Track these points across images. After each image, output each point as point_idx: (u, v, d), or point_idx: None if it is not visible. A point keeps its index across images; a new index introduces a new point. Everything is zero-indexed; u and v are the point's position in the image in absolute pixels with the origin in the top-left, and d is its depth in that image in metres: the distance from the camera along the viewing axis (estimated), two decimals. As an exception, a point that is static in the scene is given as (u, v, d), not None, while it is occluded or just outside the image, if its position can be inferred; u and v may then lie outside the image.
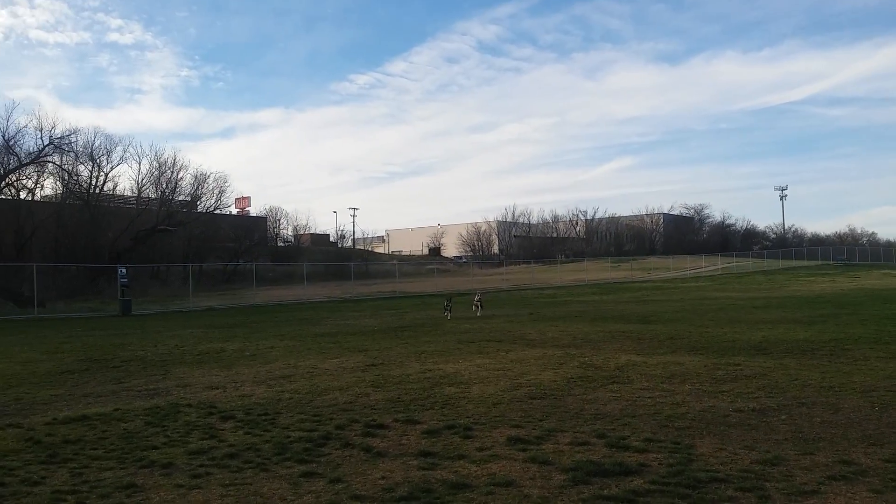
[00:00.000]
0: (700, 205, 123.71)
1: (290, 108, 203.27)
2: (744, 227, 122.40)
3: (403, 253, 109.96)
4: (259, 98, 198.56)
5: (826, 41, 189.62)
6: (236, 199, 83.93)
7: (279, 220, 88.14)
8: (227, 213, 76.08)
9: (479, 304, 26.07)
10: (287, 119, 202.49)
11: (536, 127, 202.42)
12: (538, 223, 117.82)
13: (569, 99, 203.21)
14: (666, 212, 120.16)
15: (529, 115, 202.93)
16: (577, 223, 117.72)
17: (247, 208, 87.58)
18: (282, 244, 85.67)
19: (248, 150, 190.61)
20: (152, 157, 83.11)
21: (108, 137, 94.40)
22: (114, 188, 61.29)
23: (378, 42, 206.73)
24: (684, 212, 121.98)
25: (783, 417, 7.87)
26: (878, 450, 6.49)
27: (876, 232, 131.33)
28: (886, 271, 68.95)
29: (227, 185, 72.16)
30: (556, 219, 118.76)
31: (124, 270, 34.11)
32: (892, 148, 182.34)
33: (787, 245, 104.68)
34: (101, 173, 57.42)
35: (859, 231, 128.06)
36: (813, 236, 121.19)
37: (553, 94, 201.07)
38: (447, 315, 23.83)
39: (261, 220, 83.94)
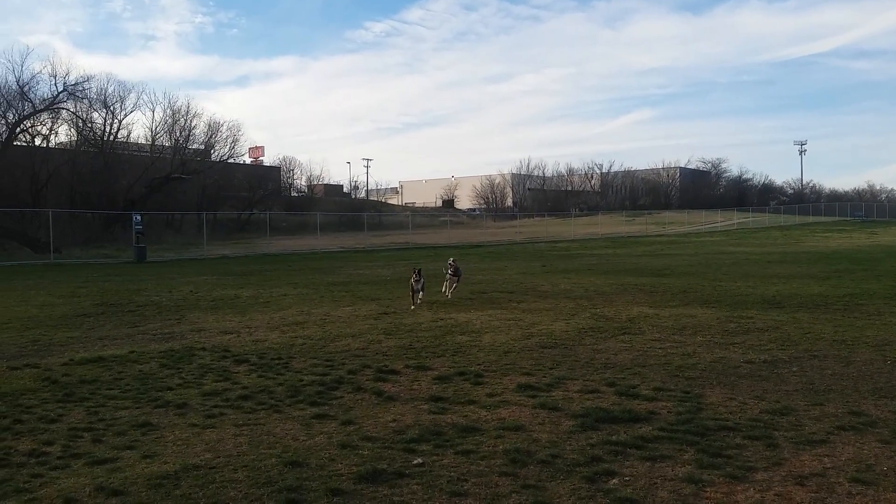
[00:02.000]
0: (717, 159, 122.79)
1: (305, 56, 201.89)
2: (761, 183, 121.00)
3: (417, 205, 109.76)
4: (274, 46, 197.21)
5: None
6: (250, 148, 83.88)
7: (293, 170, 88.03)
8: (241, 162, 76.08)
9: (451, 277, 15.02)
10: (302, 67, 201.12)
11: (554, 78, 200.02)
12: (553, 176, 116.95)
13: (587, 49, 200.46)
14: (683, 166, 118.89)
15: (547, 66, 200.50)
16: (592, 176, 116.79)
17: (260, 158, 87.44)
18: (295, 194, 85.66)
19: (263, 98, 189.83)
20: (166, 104, 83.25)
21: (122, 84, 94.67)
22: (128, 136, 61.35)
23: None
24: (701, 166, 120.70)
25: (794, 369, 7.87)
26: (888, 402, 6.48)
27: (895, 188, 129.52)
28: (904, 228, 68.28)
29: (240, 133, 71.98)
30: (570, 172, 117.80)
31: (139, 218, 34.31)
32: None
33: (805, 201, 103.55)
34: (115, 120, 57.44)
35: (878, 188, 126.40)
36: (831, 192, 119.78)
37: (572, 43, 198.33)
38: (418, 298, 13.90)
39: (274, 170, 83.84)
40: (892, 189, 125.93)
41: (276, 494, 4.46)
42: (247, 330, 11.28)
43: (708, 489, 4.47)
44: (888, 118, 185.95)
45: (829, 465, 4.85)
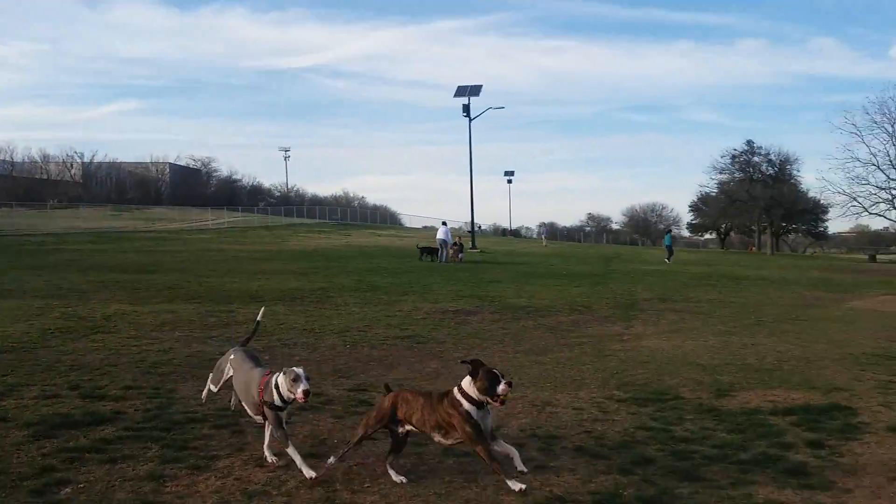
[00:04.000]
0: (208, 158, 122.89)
1: None
2: (250, 184, 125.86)
3: None
4: None
5: (329, 15, 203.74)
6: None
7: None
8: None
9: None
10: None
11: (23, 52, 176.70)
12: (24, 162, 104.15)
13: (66, 26, 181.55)
14: (172, 161, 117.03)
15: (15, 38, 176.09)
16: (72, 165, 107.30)
17: None
18: None
19: None
20: None
21: None
22: None
23: None
24: (191, 163, 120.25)
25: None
26: (344, 381, 7.27)
27: (366, 196, 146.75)
28: (372, 231, 78.19)
29: None
30: (46, 159, 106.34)
31: None
32: (382, 122, 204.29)
33: (291, 203, 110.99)
34: None
35: (352, 195, 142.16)
36: (313, 196, 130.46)
37: (46, 17, 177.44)
38: None
39: None
40: (363, 197, 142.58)
41: None
42: None
43: (169, 483, 4.36)
44: (361, 134, 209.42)
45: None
